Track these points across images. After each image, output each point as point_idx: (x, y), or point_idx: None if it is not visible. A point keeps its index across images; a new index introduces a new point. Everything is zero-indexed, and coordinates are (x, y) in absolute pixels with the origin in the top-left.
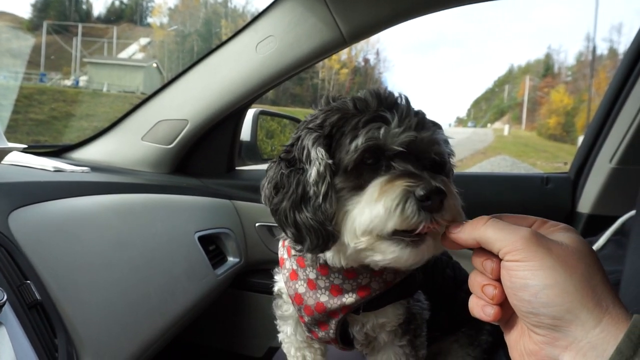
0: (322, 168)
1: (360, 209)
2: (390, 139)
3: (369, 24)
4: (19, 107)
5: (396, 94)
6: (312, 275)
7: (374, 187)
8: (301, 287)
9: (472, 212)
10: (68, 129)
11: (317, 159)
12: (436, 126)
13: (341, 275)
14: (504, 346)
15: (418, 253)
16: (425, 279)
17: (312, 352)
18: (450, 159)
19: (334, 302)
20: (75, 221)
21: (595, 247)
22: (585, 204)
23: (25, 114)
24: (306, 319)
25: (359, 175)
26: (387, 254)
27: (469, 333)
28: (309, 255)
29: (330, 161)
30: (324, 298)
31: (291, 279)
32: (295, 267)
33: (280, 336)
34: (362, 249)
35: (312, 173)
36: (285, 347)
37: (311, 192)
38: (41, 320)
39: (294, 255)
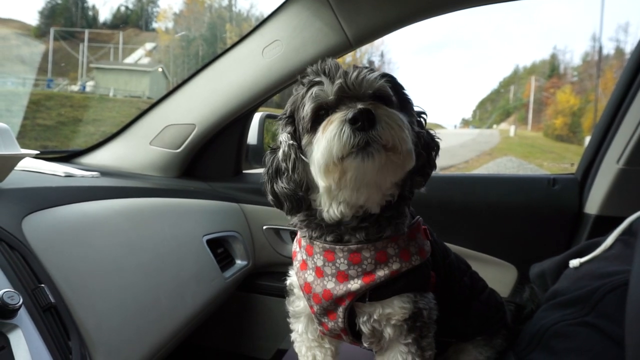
0: (286, 148)
1: (314, 151)
2: (326, 94)
3: (374, 28)
4: (27, 112)
5: (327, 62)
6: (319, 263)
7: (319, 130)
8: (310, 276)
9: (478, 214)
10: (75, 134)
11: (283, 142)
12: (369, 70)
13: (346, 260)
14: (514, 348)
15: (368, 158)
16: (442, 285)
17: (323, 352)
18: (402, 93)
19: (340, 288)
20: (87, 225)
21: (602, 247)
22: (593, 205)
23: (33, 119)
24: (315, 308)
25: (315, 130)
26: (352, 168)
27: (484, 337)
28: (315, 238)
29: (292, 142)
30: (330, 285)
31: (301, 269)
32: (305, 257)
33: (293, 335)
34: (337, 181)
35: (280, 153)
36: (296, 346)
37: (283, 167)
38: (55, 323)
39: (304, 245)
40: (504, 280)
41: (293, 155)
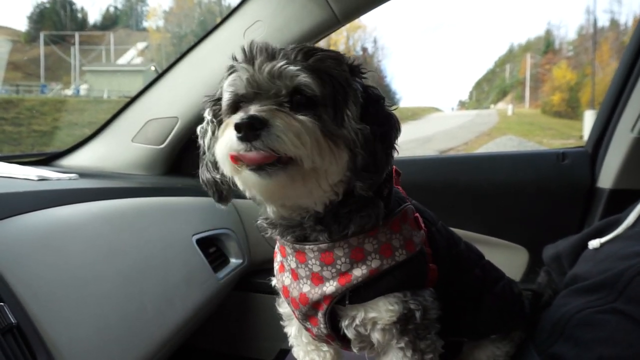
0: (205, 124)
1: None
2: (242, 85)
3: (362, 0)
4: (21, 119)
5: (257, 45)
6: (293, 265)
7: (222, 127)
8: (287, 279)
9: (484, 195)
10: (71, 137)
11: (206, 119)
12: (296, 61)
13: (318, 261)
14: (533, 339)
15: (262, 175)
16: (447, 278)
17: (321, 356)
18: (339, 82)
19: (315, 291)
20: (60, 232)
21: (624, 224)
22: (606, 178)
23: (29, 125)
24: (296, 313)
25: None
26: (251, 184)
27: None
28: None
29: (212, 118)
30: (306, 288)
31: (279, 271)
32: (281, 258)
33: (290, 339)
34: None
35: (199, 129)
36: (294, 351)
37: (202, 148)
38: (17, 345)
39: (279, 245)
40: (514, 264)
41: (210, 133)
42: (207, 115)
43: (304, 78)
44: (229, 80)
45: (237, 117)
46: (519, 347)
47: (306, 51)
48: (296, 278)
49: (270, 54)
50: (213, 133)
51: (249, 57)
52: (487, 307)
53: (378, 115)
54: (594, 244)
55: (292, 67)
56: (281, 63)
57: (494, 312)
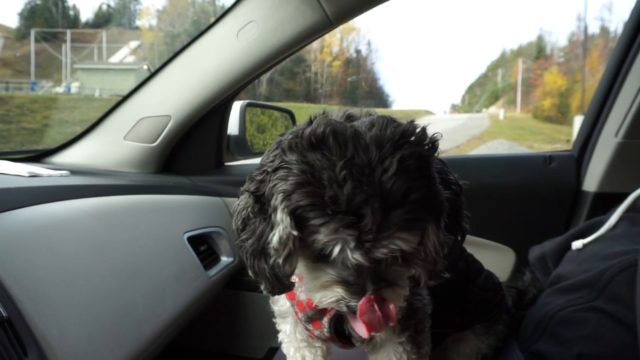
0: (285, 236)
1: (306, 288)
2: (350, 250)
3: (355, 3)
4: (11, 116)
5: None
6: None
7: (318, 279)
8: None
9: (472, 196)
10: (62, 135)
11: (282, 225)
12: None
13: None
14: (517, 337)
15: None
16: None
17: (312, 353)
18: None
19: None
20: (50, 228)
21: (606, 226)
22: (591, 182)
23: (18, 123)
24: (300, 315)
25: (320, 262)
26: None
27: (485, 324)
28: None
29: (295, 233)
30: None
31: None
32: None
33: (280, 336)
34: None
35: (275, 238)
36: (284, 347)
37: (272, 251)
38: (8, 339)
39: None
40: (501, 264)
41: (291, 246)
42: (285, 219)
43: (409, 247)
44: (338, 239)
45: (346, 296)
46: (503, 345)
47: (410, 188)
48: None
49: (383, 207)
50: (295, 247)
51: (350, 204)
52: (471, 297)
53: (459, 216)
54: (577, 244)
55: (401, 243)
56: (396, 242)
57: (478, 303)
